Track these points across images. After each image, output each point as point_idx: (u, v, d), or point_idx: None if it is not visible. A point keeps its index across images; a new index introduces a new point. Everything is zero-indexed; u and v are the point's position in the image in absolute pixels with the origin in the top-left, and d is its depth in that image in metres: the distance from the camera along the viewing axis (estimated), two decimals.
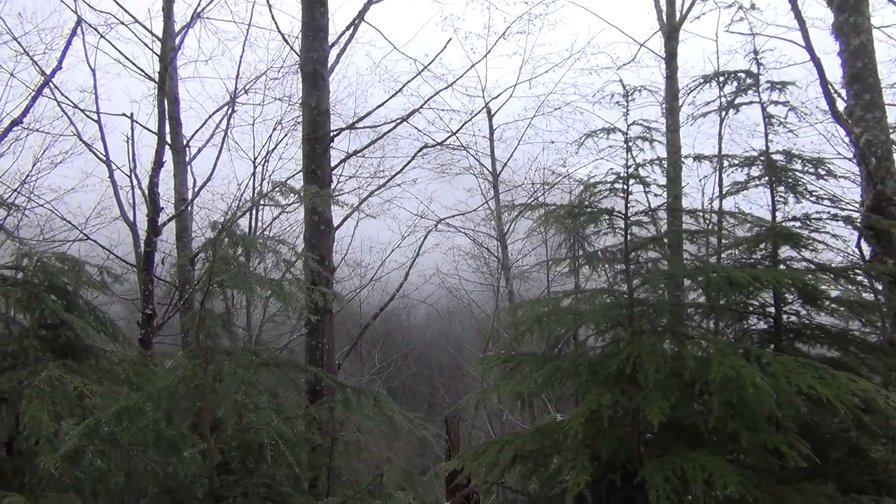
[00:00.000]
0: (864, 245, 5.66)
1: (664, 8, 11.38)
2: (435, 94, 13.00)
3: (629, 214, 4.72)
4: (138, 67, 12.83)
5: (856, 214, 5.22)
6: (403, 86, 12.00)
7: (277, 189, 3.41)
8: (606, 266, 5.10)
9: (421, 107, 12.12)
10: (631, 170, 4.62)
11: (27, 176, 15.16)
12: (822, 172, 4.96)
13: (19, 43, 12.24)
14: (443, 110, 15.93)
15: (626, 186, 4.61)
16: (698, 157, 4.95)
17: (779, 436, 3.98)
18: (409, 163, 13.45)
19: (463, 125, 14.92)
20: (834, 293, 5.05)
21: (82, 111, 11.91)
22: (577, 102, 18.00)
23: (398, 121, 11.66)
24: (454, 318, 24.15)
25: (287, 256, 3.75)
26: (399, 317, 28.41)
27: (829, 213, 4.91)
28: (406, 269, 14.79)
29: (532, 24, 17.36)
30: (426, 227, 16.80)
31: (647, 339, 4.39)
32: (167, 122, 10.62)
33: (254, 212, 14.46)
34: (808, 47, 6.10)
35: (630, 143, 4.67)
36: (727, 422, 3.98)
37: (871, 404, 3.98)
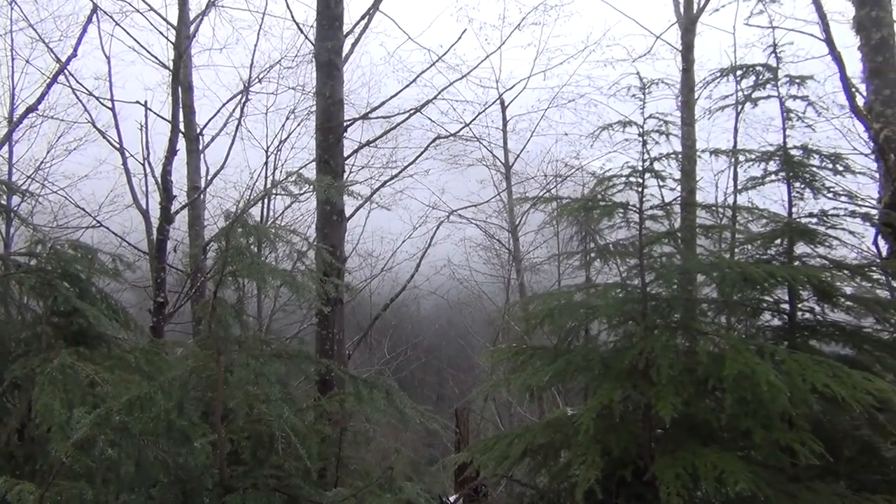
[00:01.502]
0: (880, 242, 5.60)
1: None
2: (449, 85, 12.98)
3: (644, 209, 4.68)
4: (153, 55, 12.84)
5: (873, 211, 5.16)
6: (418, 76, 11.94)
7: (292, 178, 3.39)
8: (618, 260, 5.07)
9: (435, 97, 12.10)
10: (647, 163, 4.58)
11: (41, 162, 15.28)
12: (840, 168, 4.90)
13: (35, 30, 12.30)
14: (456, 101, 15.84)
15: (641, 180, 4.57)
16: (715, 152, 4.90)
17: (792, 433, 3.95)
18: (422, 153, 13.40)
19: (476, 116, 14.90)
20: (847, 290, 5.00)
21: (97, 98, 11.93)
22: (592, 95, 17.79)
23: (412, 111, 11.64)
24: (464, 310, 24.12)
25: (299, 246, 3.74)
26: (408, 307, 28.41)
27: (846, 209, 4.86)
28: (417, 261, 14.77)
29: (547, 15, 17.24)
30: (437, 218, 16.76)
31: (661, 334, 4.35)
32: (181, 110, 10.62)
33: (265, 201, 14.47)
34: (829, 41, 6.02)
35: (646, 137, 4.62)
36: (740, 419, 3.96)
37: (886, 404, 3.94)
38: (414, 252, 17.69)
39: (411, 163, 14.32)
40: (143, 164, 11.29)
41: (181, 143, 10.84)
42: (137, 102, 11.17)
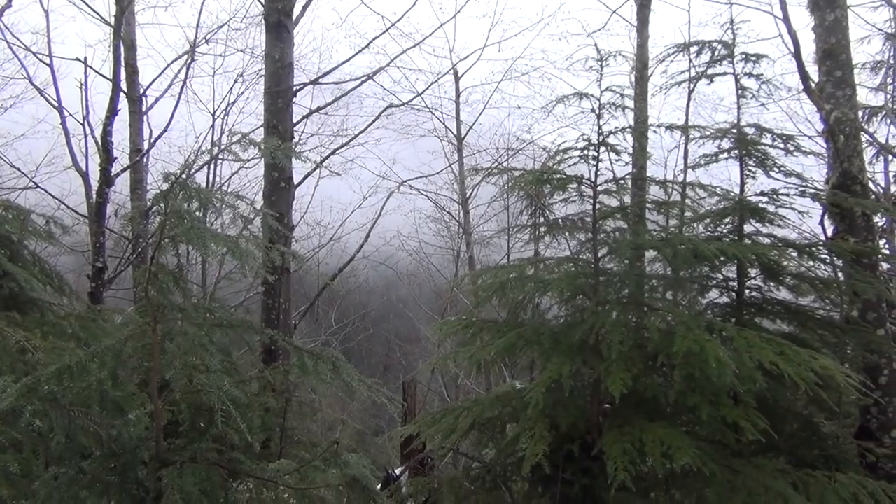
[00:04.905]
0: (826, 222, 5.67)
1: None
2: (402, 53, 12.82)
3: (597, 183, 4.64)
4: (94, 10, 12.27)
5: (821, 191, 5.22)
6: (370, 42, 11.78)
7: (237, 141, 3.23)
8: (567, 234, 5.03)
9: (388, 65, 11.92)
10: (602, 137, 4.52)
11: None
12: (791, 148, 4.93)
13: None
14: (409, 70, 15.64)
15: (596, 153, 4.51)
16: (670, 127, 4.86)
17: (738, 410, 3.98)
18: (373, 122, 13.23)
19: (429, 86, 14.77)
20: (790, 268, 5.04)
21: (34, 54, 11.42)
22: (546, 68, 17.79)
23: (364, 78, 11.46)
24: (412, 282, 24.06)
25: (245, 212, 3.59)
26: (357, 278, 28.26)
27: (796, 188, 4.89)
28: (367, 231, 14.62)
29: None
30: (388, 189, 16.58)
31: (612, 309, 4.34)
32: (123, 68, 10.24)
33: (212, 165, 14.11)
34: (786, 18, 6.04)
35: (602, 110, 4.57)
36: (688, 395, 3.97)
37: (827, 381, 3.99)
38: (363, 222, 17.50)
39: (362, 131, 14.15)
40: (83, 125, 10.85)
41: (123, 104, 10.47)
42: (77, 59, 10.69)
